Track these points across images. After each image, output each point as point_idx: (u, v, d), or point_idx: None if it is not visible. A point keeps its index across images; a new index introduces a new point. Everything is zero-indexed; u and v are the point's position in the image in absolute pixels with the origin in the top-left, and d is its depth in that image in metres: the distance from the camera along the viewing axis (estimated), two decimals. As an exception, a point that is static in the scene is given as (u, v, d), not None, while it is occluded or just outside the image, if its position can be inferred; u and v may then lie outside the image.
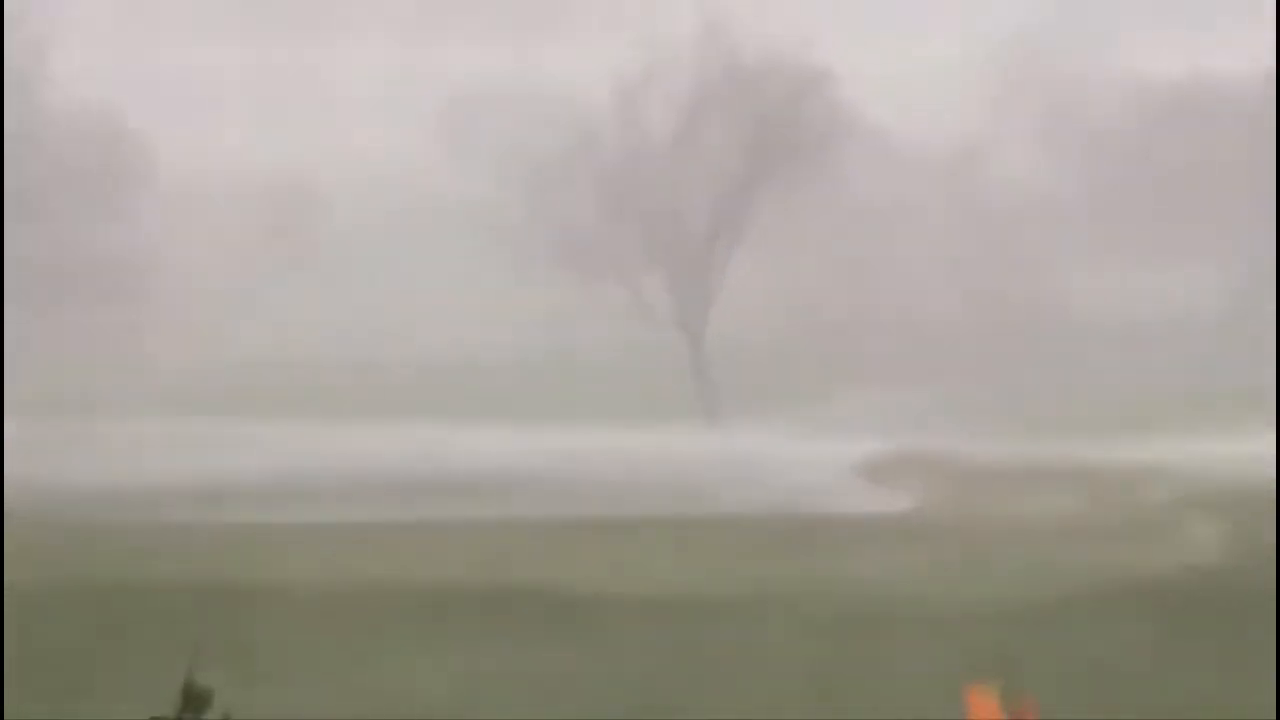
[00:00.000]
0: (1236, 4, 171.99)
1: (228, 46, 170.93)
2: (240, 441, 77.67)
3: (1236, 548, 43.05)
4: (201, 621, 32.19)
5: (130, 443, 77.52)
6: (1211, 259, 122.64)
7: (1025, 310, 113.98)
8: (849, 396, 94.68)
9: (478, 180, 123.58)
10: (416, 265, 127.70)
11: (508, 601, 37.47)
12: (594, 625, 35.91)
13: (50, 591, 36.35)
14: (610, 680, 32.53)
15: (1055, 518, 49.72)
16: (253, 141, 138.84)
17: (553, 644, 34.67)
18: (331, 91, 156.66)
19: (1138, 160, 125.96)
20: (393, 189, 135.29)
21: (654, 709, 30.82)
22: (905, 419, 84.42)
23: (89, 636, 32.82)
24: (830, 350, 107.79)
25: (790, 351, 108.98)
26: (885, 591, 38.20)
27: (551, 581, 39.52)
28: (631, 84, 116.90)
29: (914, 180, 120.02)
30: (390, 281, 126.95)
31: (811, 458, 69.89)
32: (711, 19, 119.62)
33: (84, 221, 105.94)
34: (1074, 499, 54.60)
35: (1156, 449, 69.06)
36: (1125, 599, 37.08)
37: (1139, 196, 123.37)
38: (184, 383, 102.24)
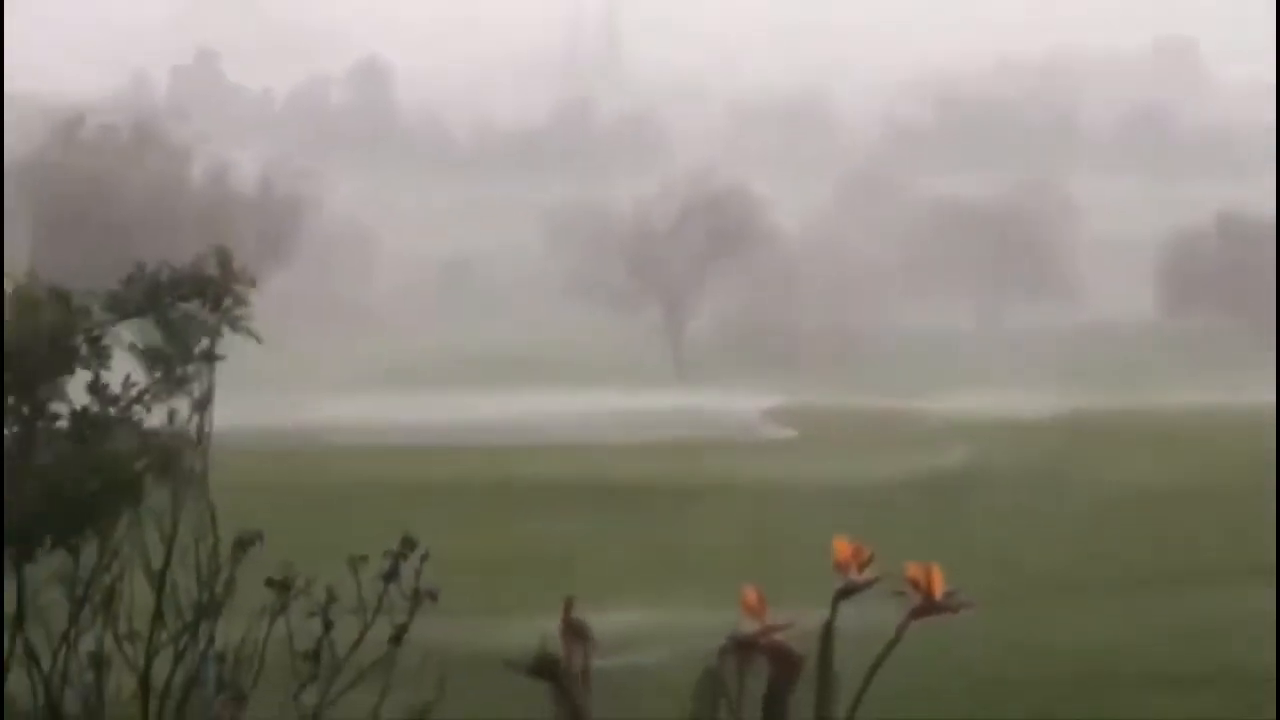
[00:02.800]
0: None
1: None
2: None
3: (984, 458, 41.91)
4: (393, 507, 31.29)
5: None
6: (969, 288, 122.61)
7: (863, 329, 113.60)
8: (764, 374, 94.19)
9: (549, 253, 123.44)
10: (502, 306, 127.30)
11: (557, 487, 36.85)
12: (605, 503, 35.20)
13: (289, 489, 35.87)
14: (610, 531, 31.88)
15: (880, 439, 49.17)
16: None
17: (584, 514, 33.91)
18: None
19: (944, 239, 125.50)
20: (502, 267, 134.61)
21: (649, 553, 29.73)
22: (796, 385, 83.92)
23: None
24: (754, 350, 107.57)
25: (733, 350, 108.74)
26: (780, 481, 37.67)
27: (587, 475, 38.91)
28: (642, 203, 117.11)
29: (801, 255, 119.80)
30: (481, 303, 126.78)
31: (741, 408, 69.67)
32: (687, 168, 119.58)
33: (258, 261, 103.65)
34: (892, 428, 54.18)
35: (942, 403, 68.90)
36: (927, 483, 36.64)
37: (941, 261, 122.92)
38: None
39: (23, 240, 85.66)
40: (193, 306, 8.02)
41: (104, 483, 7.85)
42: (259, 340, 8.08)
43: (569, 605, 8.32)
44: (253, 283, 8.19)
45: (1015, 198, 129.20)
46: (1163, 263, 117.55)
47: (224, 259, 8.10)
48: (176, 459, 7.96)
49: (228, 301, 8.07)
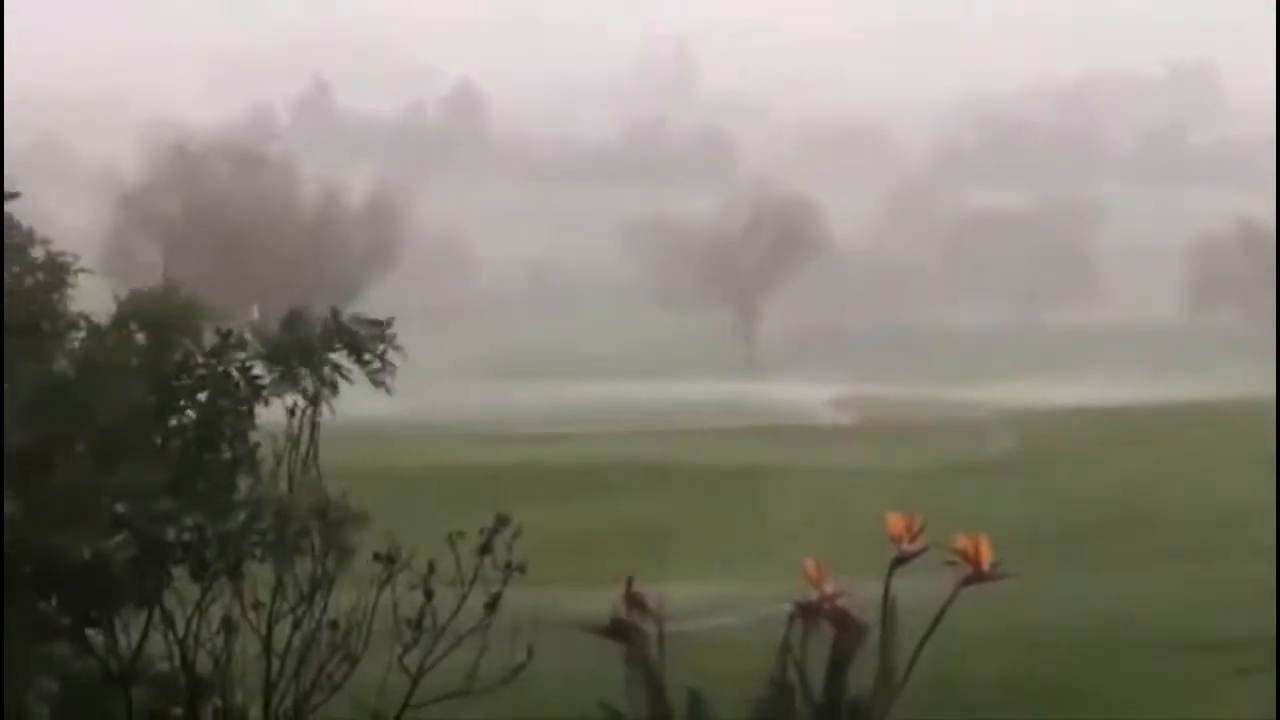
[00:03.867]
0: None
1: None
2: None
3: (1024, 444, 41.43)
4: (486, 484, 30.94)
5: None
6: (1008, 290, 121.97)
7: (912, 326, 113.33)
8: (825, 368, 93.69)
9: (638, 268, 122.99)
10: (584, 306, 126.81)
11: (638, 469, 36.66)
12: (682, 483, 35.13)
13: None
14: (685, 509, 31.73)
15: (930, 426, 48.73)
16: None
17: (663, 494, 33.67)
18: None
19: (984, 246, 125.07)
20: (584, 271, 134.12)
21: (721, 528, 29.47)
22: (854, 377, 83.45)
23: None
24: (816, 346, 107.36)
25: (797, 346, 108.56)
26: (839, 463, 37.43)
27: (666, 458, 38.74)
28: (712, 212, 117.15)
29: (856, 260, 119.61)
30: (565, 302, 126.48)
31: (804, 397, 69.35)
32: (753, 181, 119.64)
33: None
34: (940, 417, 53.65)
35: (986, 394, 68.42)
36: (972, 466, 36.15)
37: (982, 265, 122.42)
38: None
39: (150, 256, 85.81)
40: (339, 357, 8.27)
41: (282, 532, 8.19)
42: (390, 393, 8.33)
43: (630, 582, 8.45)
44: (400, 348, 8.41)
45: (1048, 208, 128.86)
46: (1184, 266, 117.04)
47: (375, 325, 8.33)
48: (339, 526, 8.34)
49: (371, 359, 8.29)
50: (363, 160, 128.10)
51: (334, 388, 8.20)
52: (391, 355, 8.39)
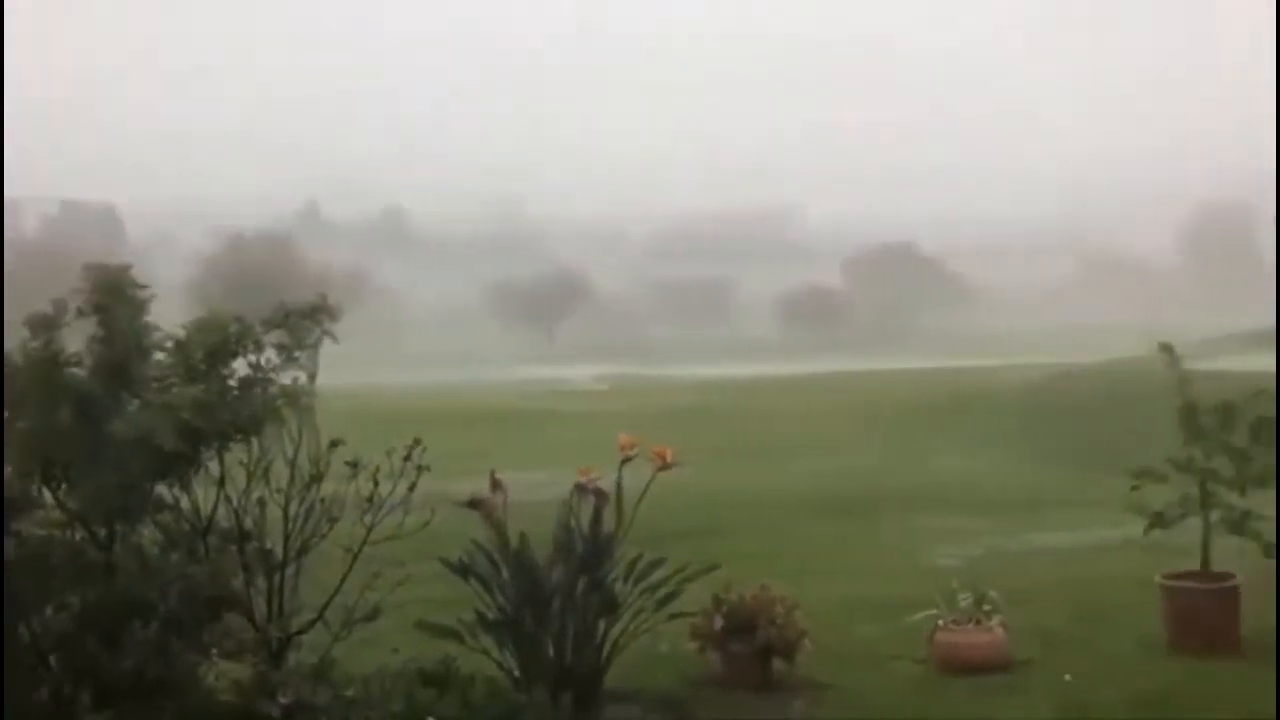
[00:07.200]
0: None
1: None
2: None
3: (706, 400, 39.10)
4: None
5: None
6: (688, 322, 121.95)
7: (632, 338, 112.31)
8: (590, 359, 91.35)
9: (495, 314, 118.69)
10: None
11: (492, 412, 34.89)
12: (516, 420, 33.63)
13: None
14: (518, 434, 30.52)
15: (654, 389, 46.85)
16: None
17: (504, 426, 31.94)
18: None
19: (681, 303, 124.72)
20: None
21: (539, 444, 27.90)
22: (606, 364, 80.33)
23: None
24: (584, 350, 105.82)
25: (575, 350, 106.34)
26: (599, 409, 35.68)
27: (505, 406, 37.05)
28: (544, 287, 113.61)
29: (605, 309, 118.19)
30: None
31: (579, 374, 67.34)
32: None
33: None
34: (660, 385, 51.88)
35: (685, 371, 67.14)
36: (673, 410, 33.83)
37: (688, 308, 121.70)
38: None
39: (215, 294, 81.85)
40: (305, 323, 8.16)
41: (263, 409, 7.93)
42: (336, 341, 8.20)
43: (493, 473, 8.62)
44: (335, 313, 8.28)
45: (715, 280, 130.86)
46: (780, 305, 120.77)
47: (323, 300, 8.24)
48: (297, 398, 8.07)
49: (324, 319, 8.24)
50: (343, 248, 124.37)
51: (305, 344, 8.07)
52: (327, 330, 8.30)
